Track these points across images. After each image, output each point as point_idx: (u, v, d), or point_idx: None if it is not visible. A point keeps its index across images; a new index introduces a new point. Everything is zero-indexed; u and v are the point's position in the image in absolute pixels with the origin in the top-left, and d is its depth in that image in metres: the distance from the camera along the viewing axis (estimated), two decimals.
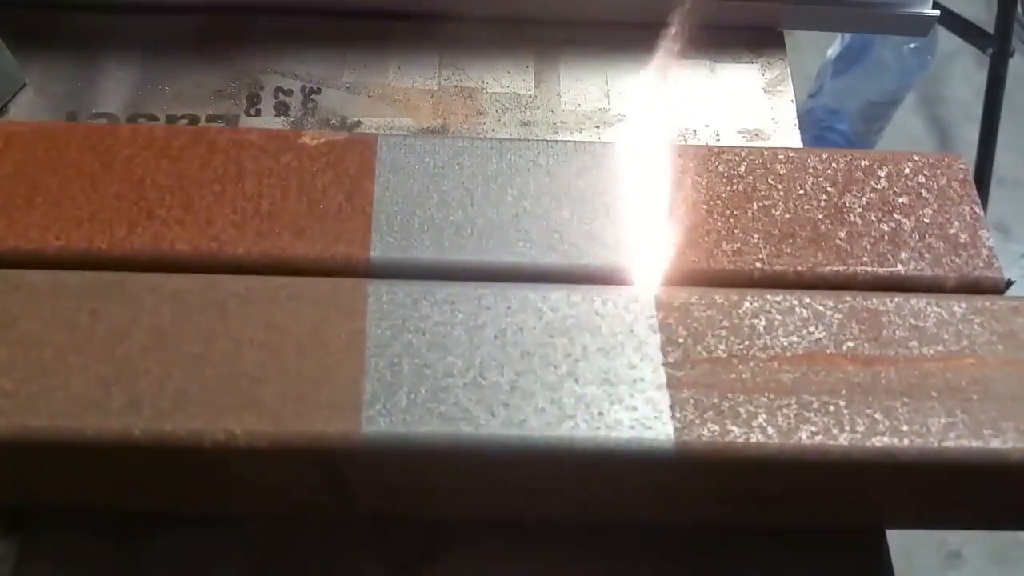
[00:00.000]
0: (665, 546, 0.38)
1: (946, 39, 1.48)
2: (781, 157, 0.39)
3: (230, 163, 0.37)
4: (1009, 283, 0.37)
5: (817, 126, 1.32)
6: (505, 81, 0.50)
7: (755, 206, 0.38)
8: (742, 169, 0.38)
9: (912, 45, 1.20)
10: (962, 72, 1.58)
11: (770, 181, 0.38)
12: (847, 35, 1.22)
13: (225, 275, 0.34)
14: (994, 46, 1.34)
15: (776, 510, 0.37)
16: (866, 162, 0.39)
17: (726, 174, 0.38)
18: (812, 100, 1.30)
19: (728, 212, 0.37)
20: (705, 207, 0.37)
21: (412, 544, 0.38)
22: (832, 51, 1.25)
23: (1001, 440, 0.32)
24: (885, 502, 0.36)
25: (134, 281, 0.34)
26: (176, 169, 0.37)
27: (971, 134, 1.43)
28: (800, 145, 0.47)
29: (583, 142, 0.39)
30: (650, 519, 0.38)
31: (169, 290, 0.34)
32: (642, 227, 0.37)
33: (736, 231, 0.37)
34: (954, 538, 1.17)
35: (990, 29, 1.35)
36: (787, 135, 0.48)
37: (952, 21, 1.42)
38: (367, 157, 0.38)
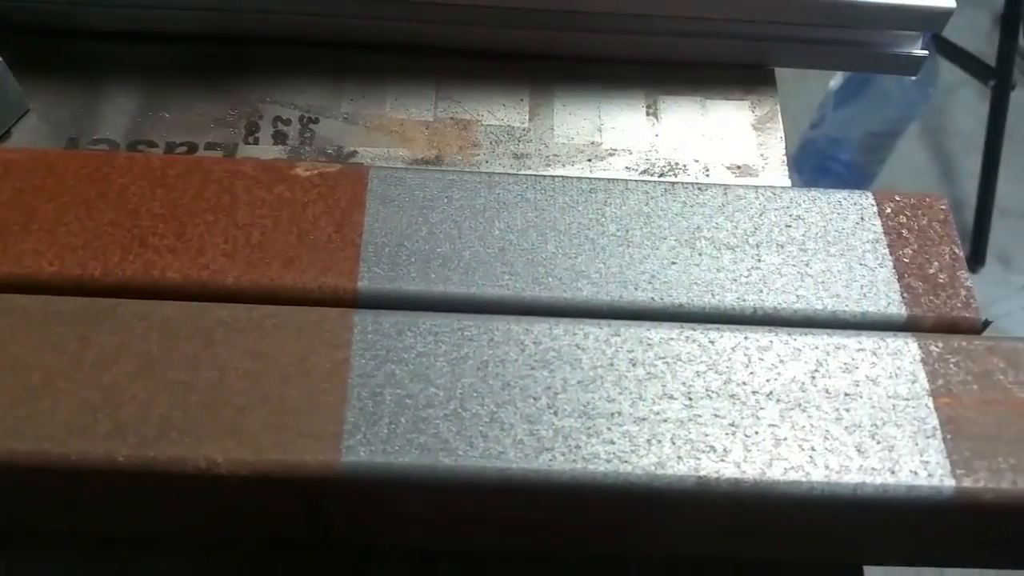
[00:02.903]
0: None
1: (949, 71, 1.49)
2: (768, 194, 0.40)
3: (223, 193, 0.38)
4: (986, 324, 0.37)
5: (819, 156, 1.33)
6: (500, 114, 0.50)
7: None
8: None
9: (914, 77, 1.21)
10: (965, 104, 1.58)
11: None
12: None
13: (213, 303, 0.35)
14: (995, 79, 1.35)
15: (753, 545, 0.37)
16: None
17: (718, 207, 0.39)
18: (815, 131, 1.31)
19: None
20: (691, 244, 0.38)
21: (394, 570, 0.38)
22: (834, 82, 1.26)
23: (973, 480, 0.32)
24: (859, 539, 0.36)
25: (124, 308, 0.35)
26: (170, 198, 0.38)
27: (973, 165, 1.44)
28: (788, 183, 0.48)
29: (570, 177, 0.40)
30: (630, 551, 0.39)
31: (158, 317, 0.35)
32: (626, 262, 0.38)
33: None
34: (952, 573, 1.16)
35: (992, 62, 1.37)
36: (776, 172, 0.48)
37: (954, 54, 1.44)
38: (358, 189, 0.39)
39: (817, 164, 1.32)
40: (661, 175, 0.48)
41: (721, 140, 0.50)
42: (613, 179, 0.40)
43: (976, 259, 1.44)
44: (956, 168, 1.54)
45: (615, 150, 0.49)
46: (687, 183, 0.40)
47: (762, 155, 0.49)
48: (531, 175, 0.39)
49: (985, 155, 1.40)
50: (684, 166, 0.49)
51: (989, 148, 1.39)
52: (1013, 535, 0.36)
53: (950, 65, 1.47)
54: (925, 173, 1.53)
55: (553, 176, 0.40)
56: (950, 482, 0.32)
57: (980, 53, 1.44)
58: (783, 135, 0.50)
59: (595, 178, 0.40)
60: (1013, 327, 1.41)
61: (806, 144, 1.33)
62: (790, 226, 0.38)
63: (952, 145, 1.56)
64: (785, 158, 0.49)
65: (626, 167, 0.49)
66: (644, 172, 0.48)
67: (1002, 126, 1.38)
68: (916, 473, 0.32)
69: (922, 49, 0.51)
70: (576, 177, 0.40)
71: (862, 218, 0.39)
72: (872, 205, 0.39)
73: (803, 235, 0.38)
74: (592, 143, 0.50)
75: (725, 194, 0.39)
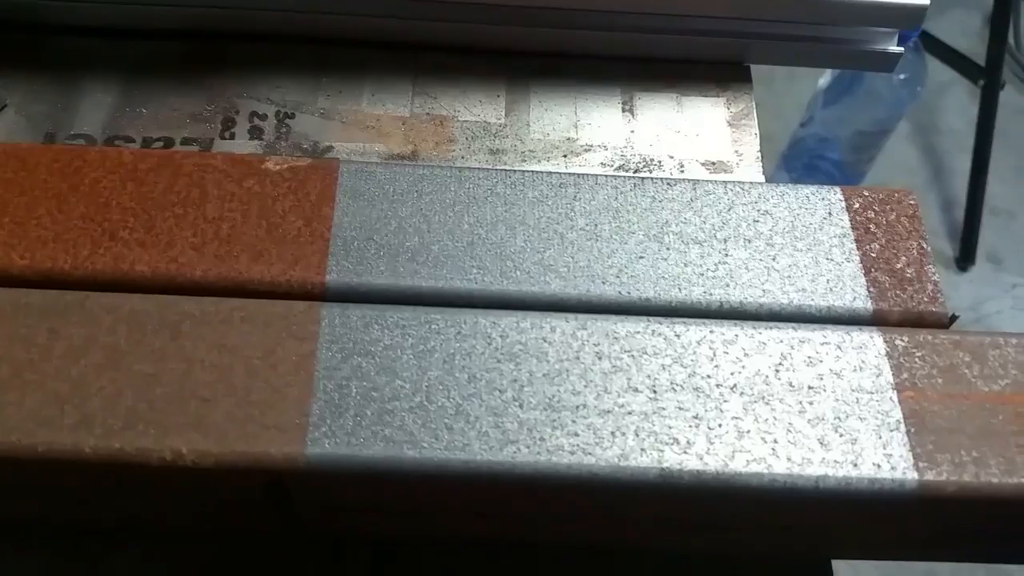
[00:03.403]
0: (612, 570, 0.39)
1: (940, 70, 1.50)
2: (737, 189, 0.40)
3: (193, 187, 0.38)
4: (953, 318, 0.37)
5: (809, 155, 1.33)
6: (476, 110, 0.51)
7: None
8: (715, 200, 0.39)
9: (902, 76, 1.21)
10: (956, 103, 1.59)
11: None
12: None
13: (181, 296, 0.35)
14: (985, 78, 1.35)
15: (720, 538, 0.38)
16: None
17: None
18: (803, 129, 1.31)
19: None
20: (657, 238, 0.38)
21: (361, 565, 0.38)
22: (823, 81, 1.27)
23: (936, 473, 0.33)
24: (826, 533, 0.36)
25: (93, 301, 0.35)
26: (141, 192, 0.38)
27: (964, 164, 1.45)
28: (762, 179, 0.48)
29: (540, 172, 0.40)
30: (595, 542, 0.39)
31: (126, 310, 0.35)
32: (594, 256, 0.38)
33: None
34: (942, 568, 1.16)
35: (982, 61, 1.37)
36: (750, 168, 0.49)
37: (944, 53, 1.44)
38: (328, 183, 0.39)
39: (806, 163, 1.32)
40: (636, 171, 0.48)
41: (696, 136, 0.50)
42: (583, 174, 0.40)
43: (966, 258, 1.44)
44: (947, 167, 1.54)
45: (591, 146, 0.50)
46: (656, 178, 0.40)
47: (736, 151, 0.49)
48: (501, 169, 0.40)
49: (975, 154, 1.40)
50: (659, 162, 0.49)
51: (979, 147, 1.40)
52: (980, 529, 0.37)
53: (941, 65, 1.48)
54: (916, 172, 1.53)
55: (523, 171, 0.40)
56: (912, 475, 0.33)
57: (971, 53, 1.45)
58: (758, 131, 0.50)
59: (565, 173, 0.40)
60: (1002, 326, 1.42)
61: (795, 143, 1.34)
62: (758, 221, 0.39)
63: (943, 144, 1.57)
64: (760, 154, 0.49)
65: (601, 163, 0.49)
66: (619, 168, 0.49)
67: (992, 125, 1.38)
68: (879, 466, 0.33)
69: (898, 46, 0.51)
70: (546, 172, 0.40)
71: (830, 213, 0.39)
72: (840, 200, 0.39)
73: (770, 230, 0.38)
74: (568, 139, 0.50)
75: (694, 189, 0.40)
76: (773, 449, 0.32)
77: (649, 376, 0.34)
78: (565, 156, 0.49)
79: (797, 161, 1.34)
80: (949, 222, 1.49)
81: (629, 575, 0.39)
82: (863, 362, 0.35)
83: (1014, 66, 1.62)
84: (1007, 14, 1.34)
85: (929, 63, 1.29)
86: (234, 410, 0.32)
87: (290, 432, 0.32)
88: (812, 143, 1.30)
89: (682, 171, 0.48)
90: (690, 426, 0.33)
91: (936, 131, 1.58)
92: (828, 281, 0.37)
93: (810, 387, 0.34)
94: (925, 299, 0.37)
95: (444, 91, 0.51)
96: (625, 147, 0.50)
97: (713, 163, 0.49)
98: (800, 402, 0.34)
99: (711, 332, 0.35)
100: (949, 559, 0.39)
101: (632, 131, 0.50)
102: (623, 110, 0.51)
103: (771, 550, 0.39)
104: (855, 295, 0.37)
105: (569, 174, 0.40)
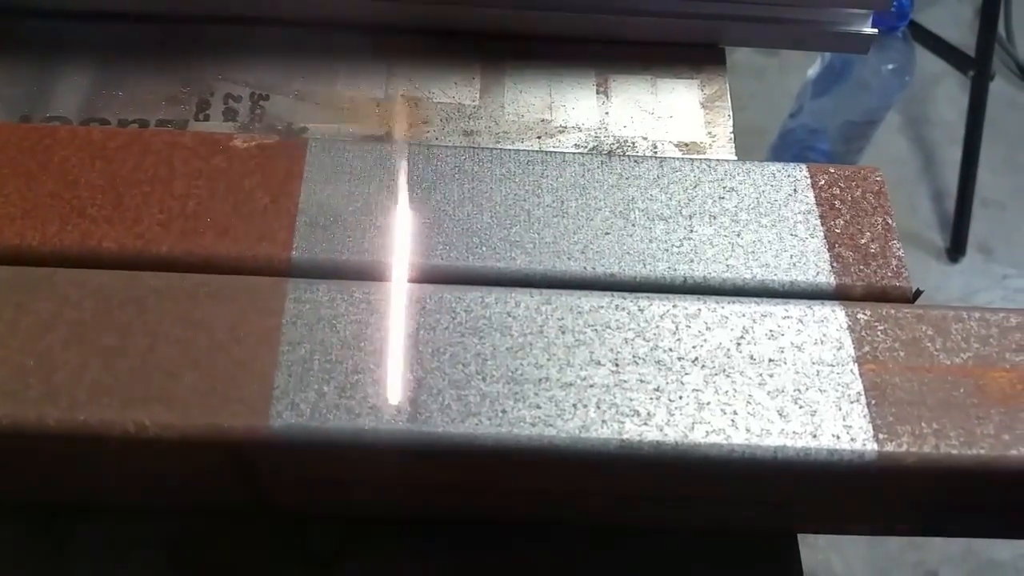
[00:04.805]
0: (574, 543, 0.39)
1: (931, 61, 1.49)
2: (703, 166, 0.40)
3: (162, 164, 0.38)
4: (918, 293, 0.38)
5: (798, 146, 1.33)
6: (451, 92, 0.51)
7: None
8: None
9: (891, 66, 1.21)
10: (946, 94, 1.59)
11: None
12: (827, 56, 1.24)
13: (148, 272, 0.35)
14: (975, 69, 1.35)
15: (684, 512, 0.38)
16: None
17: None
18: (792, 120, 1.31)
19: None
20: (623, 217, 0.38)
21: (329, 540, 0.38)
22: (812, 72, 1.26)
23: (896, 444, 0.33)
24: (789, 505, 0.37)
25: (61, 276, 0.35)
26: (110, 170, 0.38)
27: (955, 155, 1.45)
28: (735, 158, 0.48)
29: (507, 149, 0.40)
30: (560, 518, 0.39)
31: (93, 285, 0.35)
32: (560, 232, 0.38)
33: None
34: (932, 558, 1.17)
35: (973, 52, 1.37)
36: (723, 150, 0.49)
37: (935, 44, 1.44)
38: (296, 160, 0.39)
39: (796, 154, 1.32)
40: (609, 153, 0.49)
41: (670, 118, 0.50)
42: (550, 151, 0.40)
43: (957, 249, 1.44)
44: (937, 158, 1.54)
45: (565, 128, 0.50)
46: (623, 156, 0.40)
47: (710, 133, 0.50)
48: (469, 147, 0.40)
49: (965, 145, 1.40)
50: (633, 143, 0.49)
51: (969, 138, 1.39)
52: (943, 502, 0.37)
53: (932, 56, 1.48)
54: (907, 163, 1.53)
55: (491, 148, 0.40)
56: (872, 446, 0.33)
57: (961, 44, 1.45)
58: (731, 113, 0.50)
59: (532, 150, 0.40)
60: None
61: (785, 134, 1.34)
62: (723, 198, 0.39)
63: (934, 136, 1.57)
64: (732, 136, 0.49)
65: (576, 145, 0.49)
66: (593, 150, 0.49)
67: (982, 116, 1.38)
68: (838, 437, 0.33)
69: (873, 28, 0.51)
70: (514, 149, 0.40)
71: (795, 190, 0.39)
72: (806, 177, 0.40)
73: (736, 206, 0.39)
74: (542, 121, 0.50)
75: (660, 167, 0.40)
76: (732, 420, 0.33)
77: (612, 349, 0.34)
78: (539, 138, 0.49)
79: (787, 152, 1.34)
80: (940, 213, 1.49)
81: (594, 550, 0.39)
82: (824, 335, 0.35)
83: (1004, 57, 1.62)
84: (997, 5, 1.33)
85: (919, 54, 1.29)
86: (198, 383, 0.33)
87: (253, 405, 0.32)
88: (802, 134, 1.30)
89: (655, 152, 0.49)
90: (651, 398, 0.33)
91: (926, 122, 1.58)
92: (792, 256, 0.37)
93: (771, 360, 0.34)
94: (889, 274, 0.37)
95: (419, 73, 0.51)
96: (599, 129, 0.50)
97: (687, 144, 0.49)
98: (760, 374, 0.34)
99: (674, 306, 0.35)
100: (912, 533, 0.39)
101: (606, 113, 0.50)
102: (597, 92, 0.51)
103: (736, 523, 0.40)
104: (818, 270, 0.37)
105: (536, 152, 0.40)
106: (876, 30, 0.52)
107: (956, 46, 1.43)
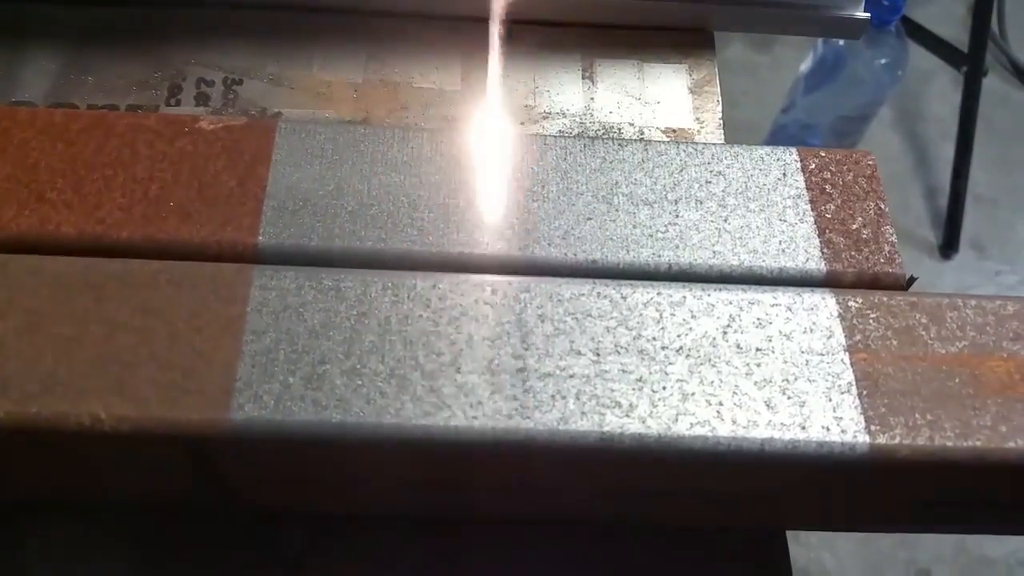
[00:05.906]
0: (552, 541, 0.38)
1: (924, 57, 1.48)
2: (690, 149, 0.39)
3: (124, 147, 0.37)
4: (911, 280, 0.36)
5: (790, 141, 1.32)
6: (432, 76, 0.49)
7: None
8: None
9: (883, 61, 1.20)
10: (939, 90, 1.58)
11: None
12: (819, 51, 1.22)
13: (106, 259, 0.34)
14: (968, 65, 1.34)
15: (671, 507, 0.36)
16: None
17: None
18: (785, 116, 1.30)
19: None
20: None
21: (299, 537, 0.37)
22: (805, 67, 1.25)
23: (888, 436, 0.31)
24: (778, 501, 0.35)
25: (16, 263, 0.34)
26: (71, 153, 0.37)
27: (948, 152, 1.43)
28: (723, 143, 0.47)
29: (489, 131, 0.39)
30: (535, 515, 0.38)
31: (50, 272, 0.33)
32: (540, 217, 0.36)
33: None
34: (923, 556, 1.15)
35: (966, 48, 1.36)
36: (711, 136, 0.47)
37: (928, 40, 1.43)
38: (264, 143, 0.37)
39: None
40: (593, 137, 0.47)
41: (657, 104, 0.49)
42: (532, 135, 0.39)
43: (950, 246, 1.43)
44: (931, 155, 1.53)
45: (549, 113, 0.48)
46: (607, 139, 0.39)
47: (698, 119, 0.48)
48: (446, 130, 0.38)
49: (958, 142, 1.39)
50: (619, 129, 0.48)
51: (962, 135, 1.38)
52: (938, 496, 0.36)
53: (925, 52, 1.46)
54: (900, 159, 1.52)
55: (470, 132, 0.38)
56: (864, 438, 0.31)
57: (954, 40, 1.44)
58: (720, 98, 0.49)
59: (521, 133, 0.38)
60: None
61: (777, 129, 1.32)
62: (710, 182, 0.37)
63: (926, 132, 1.56)
64: (721, 121, 0.48)
65: (560, 131, 0.48)
66: (578, 136, 0.47)
67: (975, 113, 1.37)
68: (828, 429, 0.31)
69: (864, 13, 0.50)
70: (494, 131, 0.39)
71: (784, 174, 0.38)
72: (796, 161, 0.38)
73: (723, 191, 0.37)
74: (525, 106, 0.48)
75: (645, 150, 0.38)
76: (718, 412, 0.31)
77: (593, 339, 0.33)
78: (522, 123, 0.48)
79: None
80: (933, 210, 1.48)
81: (579, 548, 0.38)
82: (814, 324, 0.33)
83: (997, 53, 1.61)
84: (990, 1, 1.32)
85: (912, 50, 1.28)
86: (156, 375, 0.31)
87: (214, 397, 0.31)
88: (794, 129, 1.29)
89: (642, 137, 0.47)
90: (633, 389, 0.32)
91: (920, 119, 1.57)
92: (780, 242, 0.36)
93: (758, 349, 0.33)
94: (881, 260, 0.36)
95: (398, 57, 0.50)
96: (584, 114, 0.48)
97: (674, 130, 0.48)
98: (747, 364, 0.32)
99: (658, 294, 0.34)
100: (906, 530, 0.37)
101: (592, 98, 0.49)
102: (583, 77, 0.50)
103: (725, 521, 0.38)
104: (808, 256, 0.36)
105: (524, 135, 0.39)
106: (868, 15, 0.50)
107: (949, 42, 1.42)
